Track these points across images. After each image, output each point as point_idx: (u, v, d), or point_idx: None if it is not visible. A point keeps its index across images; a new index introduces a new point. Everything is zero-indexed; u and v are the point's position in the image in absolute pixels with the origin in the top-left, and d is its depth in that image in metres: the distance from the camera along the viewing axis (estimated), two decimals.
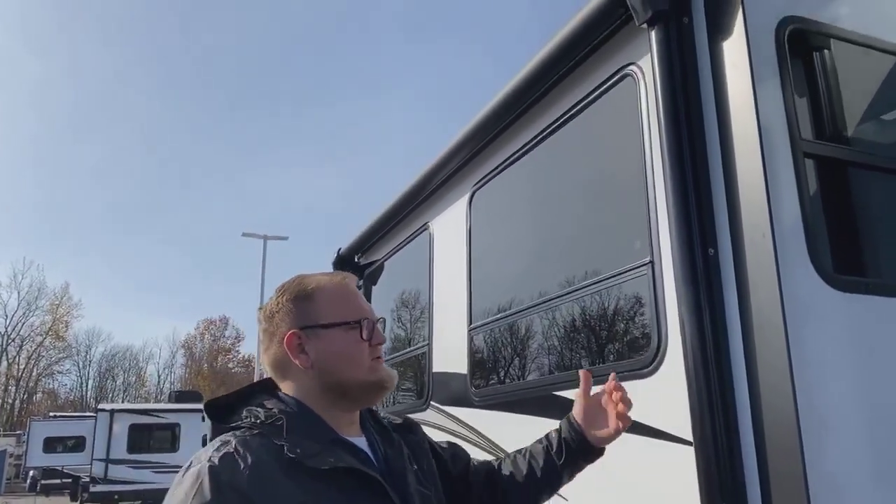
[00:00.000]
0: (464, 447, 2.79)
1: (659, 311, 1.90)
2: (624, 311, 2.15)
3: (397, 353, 3.94)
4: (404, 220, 3.87)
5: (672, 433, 1.79)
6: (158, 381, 53.37)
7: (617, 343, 2.17)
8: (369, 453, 1.32)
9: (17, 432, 37.30)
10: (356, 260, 4.63)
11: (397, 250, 4.01)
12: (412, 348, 3.70)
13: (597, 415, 1.54)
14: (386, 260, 4.21)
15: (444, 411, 3.10)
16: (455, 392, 3.04)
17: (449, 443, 1.67)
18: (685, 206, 1.78)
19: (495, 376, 2.83)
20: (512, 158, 2.76)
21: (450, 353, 3.13)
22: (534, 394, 2.47)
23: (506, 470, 1.59)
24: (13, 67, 54.30)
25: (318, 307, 1.34)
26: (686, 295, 1.74)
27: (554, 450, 1.55)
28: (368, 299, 4.53)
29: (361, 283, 4.62)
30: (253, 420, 1.25)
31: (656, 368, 1.88)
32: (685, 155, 1.81)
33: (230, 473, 1.13)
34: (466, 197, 3.10)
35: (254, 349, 23.95)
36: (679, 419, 1.74)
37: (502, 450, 2.57)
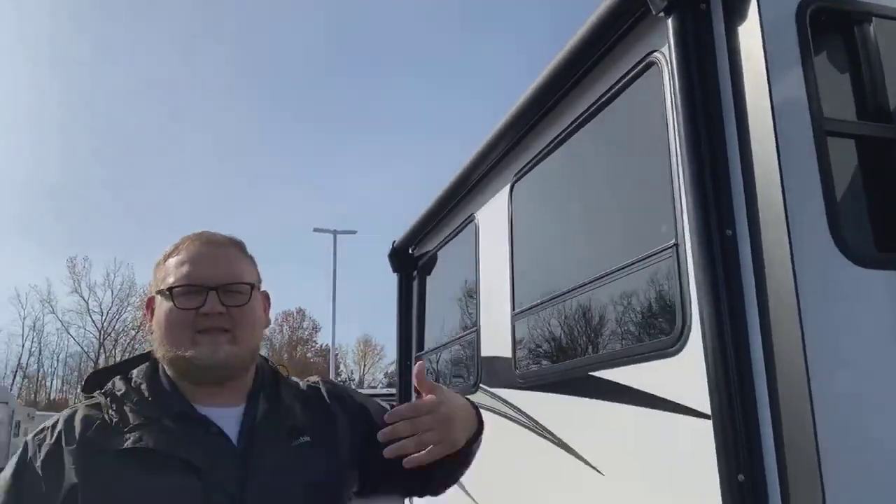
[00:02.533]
0: (509, 426, 2.92)
1: (683, 292, 1.95)
2: (651, 294, 2.21)
3: (451, 340, 4.08)
4: (452, 211, 4.00)
5: (694, 408, 1.84)
6: None
7: (645, 324, 2.23)
8: (229, 426, 1.20)
9: None
10: (410, 251, 4.79)
11: (447, 241, 4.14)
12: (463, 334, 3.83)
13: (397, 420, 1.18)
14: (438, 251, 4.35)
15: (491, 393, 3.22)
16: (501, 375, 3.15)
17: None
18: (702, 188, 1.82)
19: (535, 359, 2.93)
20: (547, 148, 2.83)
21: (496, 338, 3.25)
22: (570, 375, 2.55)
23: None
24: (98, 80, 57.44)
25: (162, 272, 1.27)
26: (705, 276, 1.79)
27: None
28: (423, 290, 4.69)
29: (416, 274, 4.78)
30: (102, 390, 1.23)
31: (681, 348, 1.94)
32: (702, 138, 1.85)
33: (35, 450, 1.15)
34: (507, 187, 3.19)
35: (330, 339, 24.64)
36: (700, 395, 1.80)
37: (545, 429, 2.67)
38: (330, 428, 1.33)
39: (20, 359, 47.24)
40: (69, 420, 1.17)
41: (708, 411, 1.78)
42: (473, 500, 3.18)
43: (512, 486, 2.95)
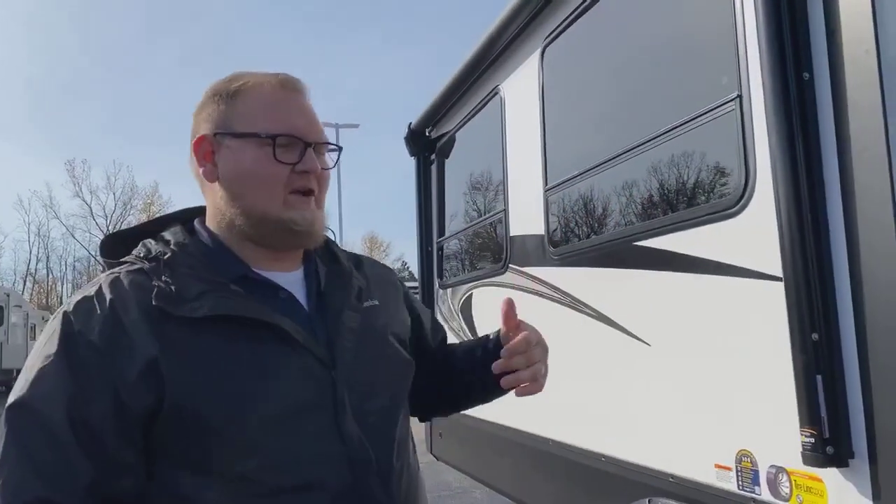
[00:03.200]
0: (542, 304, 2.85)
1: (747, 147, 1.80)
2: (708, 155, 2.06)
3: (474, 222, 3.97)
4: (473, 86, 3.77)
5: (760, 270, 1.74)
6: None
7: (699, 187, 2.10)
8: (296, 290, 1.11)
9: None
10: (427, 133, 4.59)
11: (468, 119, 3.93)
12: (489, 216, 3.71)
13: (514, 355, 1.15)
14: (457, 131, 4.16)
15: (522, 272, 3.14)
16: (533, 253, 3.06)
17: (427, 309, 1.45)
18: (778, 27, 1.63)
19: (572, 234, 2.82)
20: (584, 5, 2.59)
21: (526, 216, 3.13)
22: (612, 247, 2.45)
23: (446, 360, 1.38)
24: None
25: (237, 110, 1.07)
26: (777, 125, 1.64)
27: (478, 362, 1.28)
28: (441, 173, 4.54)
29: (434, 158, 4.61)
30: (138, 254, 1.06)
31: (743, 207, 1.81)
32: None
33: (83, 321, 0.96)
34: (538, 53, 2.96)
35: (336, 238, 24.68)
36: (767, 256, 1.69)
37: (584, 304, 2.59)
38: (389, 290, 1.27)
39: (28, 265, 47.85)
40: (116, 286, 1.00)
41: (775, 272, 1.67)
42: None
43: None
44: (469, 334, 3.86)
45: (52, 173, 79.88)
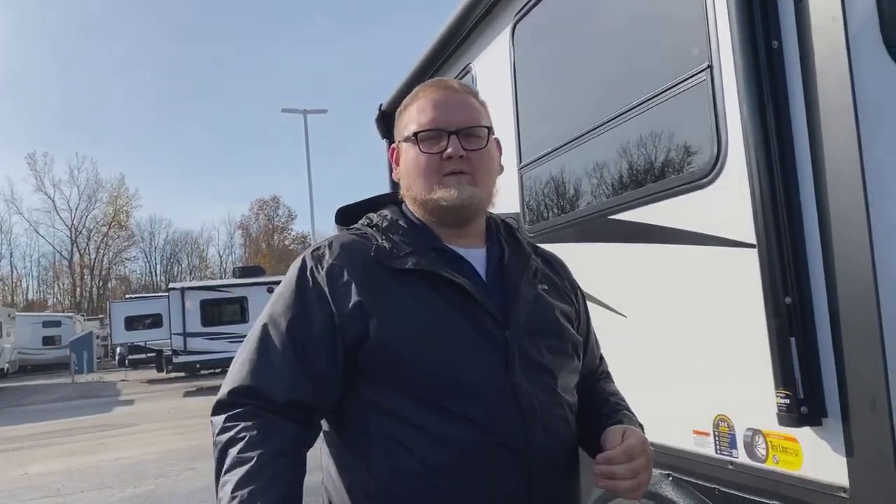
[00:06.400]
0: None
1: (719, 117, 1.82)
2: (679, 127, 2.08)
3: None
4: (444, 65, 3.75)
5: (733, 238, 1.77)
6: (221, 262, 55.86)
7: (673, 158, 2.12)
8: (477, 264, 1.31)
9: (100, 316, 40.22)
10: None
11: None
12: None
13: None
14: None
15: None
16: None
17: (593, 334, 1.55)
18: None
19: (547, 211, 2.83)
20: None
21: (501, 195, 3.12)
22: (587, 222, 2.47)
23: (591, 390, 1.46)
24: None
25: (405, 120, 1.35)
26: (748, 94, 1.66)
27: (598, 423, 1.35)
28: None
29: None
30: (363, 223, 1.35)
31: (716, 177, 1.84)
32: None
33: (315, 265, 1.24)
34: (508, 30, 2.95)
35: (307, 227, 24.52)
36: (740, 223, 1.72)
37: None
38: (563, 280, 1.45)
39: None
40: (343, 243, 1.27)
41: (748, 239, 1.70)
42: None
43: None
44: None
45: (12, 169, 77.65)
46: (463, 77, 3.49)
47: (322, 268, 1.23)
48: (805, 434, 1.60)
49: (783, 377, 1.57)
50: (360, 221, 1.37)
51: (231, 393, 1.17)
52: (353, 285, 1.20)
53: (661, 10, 2.18)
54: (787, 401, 1.56)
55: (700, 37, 1.88)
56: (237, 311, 18.62)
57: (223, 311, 18.62)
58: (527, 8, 2.80)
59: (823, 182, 1.56)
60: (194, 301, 18.11)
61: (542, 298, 1.32)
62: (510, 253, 1.35)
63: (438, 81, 1.37)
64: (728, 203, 1.79)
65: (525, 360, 1.21)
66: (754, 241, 1.66)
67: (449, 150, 1.26)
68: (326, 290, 1.20)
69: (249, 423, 1.12)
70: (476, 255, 1.32)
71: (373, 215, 1.35)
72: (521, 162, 2.90)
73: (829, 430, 1.55)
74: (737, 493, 1.83)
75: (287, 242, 54.59)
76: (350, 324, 1.17)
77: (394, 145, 1.38)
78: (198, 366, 18.59)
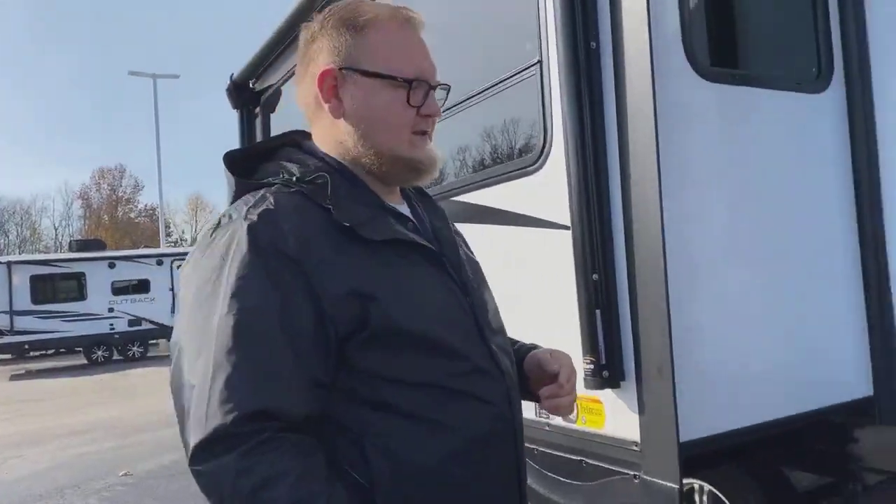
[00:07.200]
0: None
1: (546, 110, 1.98)
2: (515, 115, 2.23)
3: None
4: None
5: (554, 220, 1.94)
6: (56, 235, 51.09)
7: (508, 145, 2.27)
8: (415, 223, 1.12)
9: None
10: (251, 86, 4.43)
11: (294, 73, 3.85)
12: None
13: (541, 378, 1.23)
14: (283, 84, 4.06)
15: None
16: None
17: None
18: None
19: None
20: None
21: None
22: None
23: None
24: None
25: (366, 46, 1.05)
26: (568, 90, 1.82)
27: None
28: (266, 128, 4.42)
29: (259, 111, 4.46)
30: (287, 176, 1.03)
31: (542, 164, 2.00)
32: None
33: (272, 233, 0.94)
34: None
35: (156, 199, 23.07)
36: (560, 208, 1.89)
37: None
38: (462, 238, 1.28)
39: None
40: (288, 204, 0.98)
41: (565, 222, 1.88)
42: None
43: None
44: None
45: None
46: None
47: (284, 236, 0.94)
48: (607, 395, 1.81)
49: (590, 344, 1.77)
50: (281, 175, 1.05)
51: (236, 422, 0.87)
52: (330, 261, 0.96)
53: (499, 3, 2.32)
54: (592, 366, 1.75)
55: (533, 32, 2.02)
56: (74, 287, 17.16)
57: (57, 288, 17.10)
58: None
59: (628, 174, 1.76)
60: (23, 276, 16.49)
61: (470, 258, 1.21)
62: (429, 210, 1.19)
63: (412, 15, 1.10)
64: (551, 189, 1.96)
65: (487, 325, 1.12)
66: (570, 224, 1.84)
67: (430, 107, 1.07)
68: (302, 265, 0.94)
69: (284, 455, 0.88)
70: (408, 213, 1.15)
71: (290, 165, 1.06)
72: None
73: (626, 391, 1.77)
74: (553, 452, 2.03)
75: (133, 215, 51.00)
76: (342, 310, 0.95)
77: (331, 69, 1.06)
78: (26, 346, 17.00)
